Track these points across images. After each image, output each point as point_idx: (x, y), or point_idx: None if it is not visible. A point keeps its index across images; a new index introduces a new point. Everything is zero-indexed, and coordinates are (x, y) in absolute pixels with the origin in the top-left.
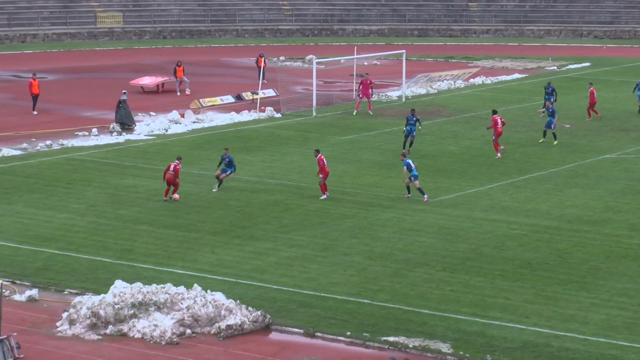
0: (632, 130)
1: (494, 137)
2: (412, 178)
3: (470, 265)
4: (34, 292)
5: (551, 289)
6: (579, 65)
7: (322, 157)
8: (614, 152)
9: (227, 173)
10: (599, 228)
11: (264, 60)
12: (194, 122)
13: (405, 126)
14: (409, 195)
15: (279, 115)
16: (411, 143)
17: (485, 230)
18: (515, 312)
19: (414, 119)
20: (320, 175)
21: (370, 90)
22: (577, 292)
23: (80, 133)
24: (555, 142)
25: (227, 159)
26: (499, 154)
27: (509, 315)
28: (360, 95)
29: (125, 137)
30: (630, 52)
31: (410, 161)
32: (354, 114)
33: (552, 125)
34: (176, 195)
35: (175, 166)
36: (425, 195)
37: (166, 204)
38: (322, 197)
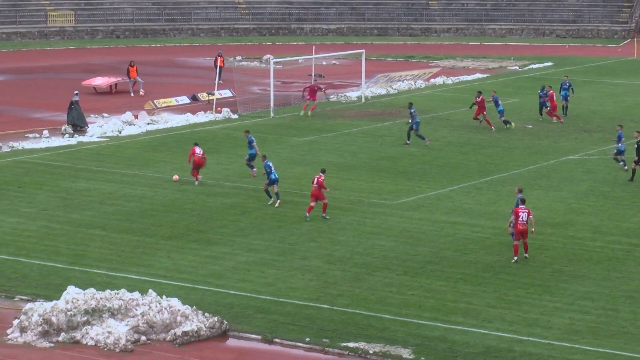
0: (594, 131)
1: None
2: (268, 182)
3: (431, 269)
4: None
5: (514, 293)
6: (541, 65)
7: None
8: (577, 153)
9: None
10: (562, 230)
11: (222, 60)
12: (148, 124)
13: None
14: (272, 199)
15: (235, 116)
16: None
17: (446, 233)
18: (477, 317)
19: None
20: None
21: (317, 93)
22: (540, 296)
23: (31, 135)
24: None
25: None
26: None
27: (471, 320)
28: (307, 97)
29: (77, 139)
30: (592, 51)
31: (270, 163)
32: (309, 115)
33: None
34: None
35: (318, 179)
36: (279, 200)
37: (119, 208)
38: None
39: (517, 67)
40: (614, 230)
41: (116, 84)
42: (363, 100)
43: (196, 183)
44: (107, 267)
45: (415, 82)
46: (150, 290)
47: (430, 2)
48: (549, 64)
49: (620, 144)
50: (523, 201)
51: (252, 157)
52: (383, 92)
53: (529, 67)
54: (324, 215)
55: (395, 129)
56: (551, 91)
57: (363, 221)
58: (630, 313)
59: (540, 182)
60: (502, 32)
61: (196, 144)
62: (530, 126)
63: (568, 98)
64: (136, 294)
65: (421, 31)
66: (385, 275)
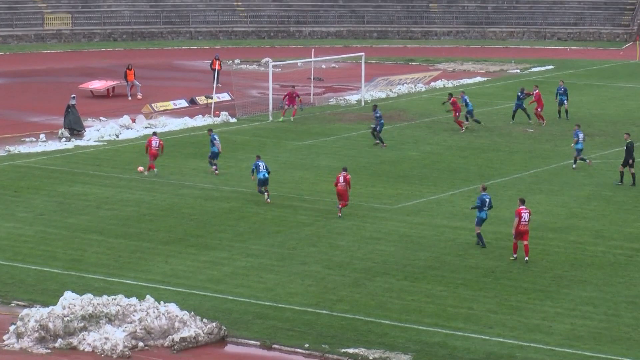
0: (596, 135)
1: None
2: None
3: (432, 274)
4: None
5: (515, 298)
6: (543, 68)
7: None
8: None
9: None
10: (564, 235)
11: (219, 63)
12: (146, 128)
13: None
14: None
15: (234, 120)
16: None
17: (447, 237)
18: (478, 322)
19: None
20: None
21: (296, 99)
22: (542, 302)
23: (27, 139)
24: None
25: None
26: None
27: (472, 325)
28: (287, 103)
29: (74, 143)
30: (594, 54)
31: (259, 163)
32: (292, 119)
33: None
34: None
35: (345, 177)
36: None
37: (116, 212)
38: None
39: (518, 71)
40: (615, 235)
41: (114, 88)
42: (363, 103)
43: (155, 171)
44: (104, 272)
45: (415, 85)
46: (148, 296)
47: (430, 4)
48: (550, 67)
49: (578, 144)
50: (523, 201)
51: (214, 155)
52: (383, 95)
53: (530, 70)
54: (339, 215)
55: (396, 133)
56: (537, 91)
57: (363, 226)
58: (632, 319)
59: (542, 186)
60: (503, 35)
61: (154, 134)
62: (531, 130)
63: (565, 102)
64: (134, 300)
65: (421, 34)
66: (385, 281)
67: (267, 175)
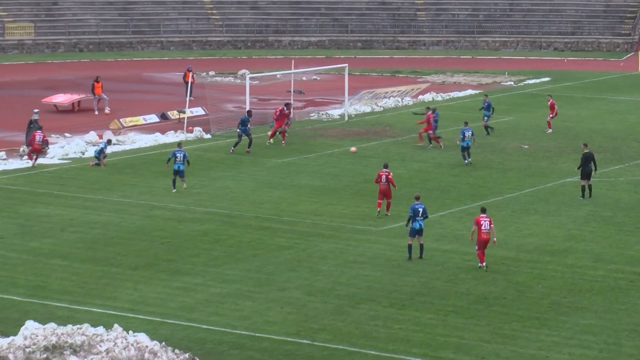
0: (595, 151)
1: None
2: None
3: (420, 300)
4: None
5: (509, 327)
6: (538, 80)
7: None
8: (577, 175)
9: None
10: (561, 259)
11: (192, 75)
12: (114, 144)
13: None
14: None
15: (208, 136)
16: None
17: (436, 262)
18: (470, 352)
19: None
20: None
21: (285, 119)
22: (538, 330)
23: None
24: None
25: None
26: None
27: (463, 355)
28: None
29: (37, 161)
30: (593, 65)
31: (177, 152)
32: (271, 142)
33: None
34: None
35: (387, 175)
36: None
37: (82, 235)
38: None
39: (512, 83)
40: (616, 258)
41: (79, 102)
42: (346, 118)
43: (32, 163)
44: (68, 299)
45: (402, 98)
46: (116, 325)
47: (418, 12)
48: (547, 79)
49: (464, 141)
50: (484, 210)
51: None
52: (368, 109)
53: (525, 82)
54: (387, 213)
55: (381, 150)
56: (430, 112)
57: (346, 249)
58: (634, 348)
59: (538, 206)
60: (496, 44)
61: (40, 129)
62: (526, 146)
63: (486, 119)
64: (100, 329)
65: (408, 44)
66: (371, 308)
67: (182, 167)
